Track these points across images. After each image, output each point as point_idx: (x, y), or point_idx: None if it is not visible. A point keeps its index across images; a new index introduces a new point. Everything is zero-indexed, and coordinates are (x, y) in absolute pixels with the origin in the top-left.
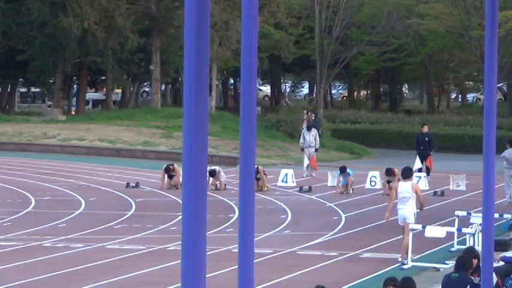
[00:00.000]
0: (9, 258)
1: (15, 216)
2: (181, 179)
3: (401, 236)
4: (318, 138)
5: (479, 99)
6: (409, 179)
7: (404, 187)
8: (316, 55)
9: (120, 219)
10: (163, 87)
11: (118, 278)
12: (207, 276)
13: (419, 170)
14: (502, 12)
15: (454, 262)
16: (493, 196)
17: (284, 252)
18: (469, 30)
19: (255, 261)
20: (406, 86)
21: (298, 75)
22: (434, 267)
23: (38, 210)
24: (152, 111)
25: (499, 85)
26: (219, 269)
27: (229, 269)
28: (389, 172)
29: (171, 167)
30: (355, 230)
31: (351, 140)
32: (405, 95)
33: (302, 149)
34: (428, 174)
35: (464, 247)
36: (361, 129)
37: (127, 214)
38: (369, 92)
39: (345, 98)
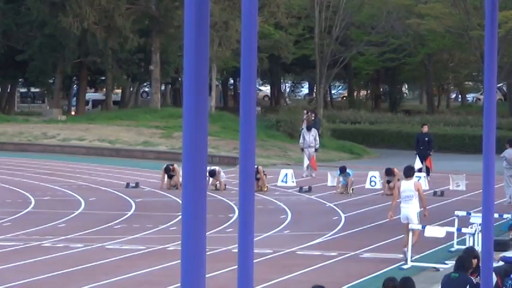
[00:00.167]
0: (8, 258)
1: (15, 216)
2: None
3: (401, 236)
4: (317, 138)
5: (479, 99)
6: (411, 178)
7: (406, 186)
8: (316, 55)
9: (120, 219)
10: (163, 87)
11: (118, 278)
12: (206, 276)
13: (419, 170)
14: (502, 12)
15: (454, 262)
16: (493, 196)
17: (284, 252)
18: (468, 30)
19: (254, 261)
20: (406, 86)
21: (298, 75)
22: (434, 267)
23: (38, 210)
24: (152, 111)
25: (498, 85)
26: (218, 269)
27: (229, 269)
28: (389, 172)
29: (171, 167)
30: (354, 230)
31: (351, 140)
32: (405, 95)
33: (302, 149)
34: (428, 174)
35: (464, 247)
36: (361, 129)
37: (127, 214)
38: (368, 92)
39: (344, 98)
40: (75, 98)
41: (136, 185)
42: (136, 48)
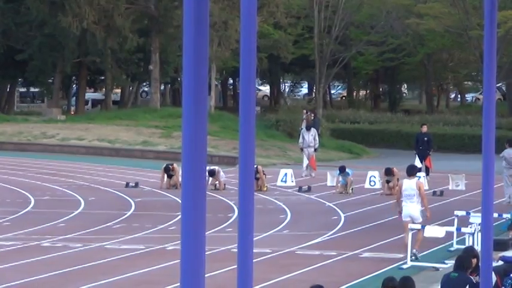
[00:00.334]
0: (8, 257)
1: (15, 215)
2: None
3: (401, 235)
4: (317, 138)
5: (479, 99)
6: (413, 177)
7: (408, 184)
8: (316, 55)
9: (119, 219)
10: (162, 87)
11: (117, 278)
12: (206, 275)
13: (419, 170)
14: (501, 12)
15: (453, 262)
16: (492, 196)
17: (283, 251)
18: (468, 30)
19: (254, 260)
20: (405, 85)
21: (298, 75)
22: (434, 267)
23: (37, 210)
24: (151, 111)
25: (498, 85)
26: (218, 269)
27: (228, 268)
28: (388, 172)
29: (171, 166)
30: (354, 230)
31: (350, 139)
32: (404, 94)
33: (301, 149)
34: (427, 174)
35: (463, 247)
36: (360, 129)
37: (126, 214)
38: (368, 91)
39: (344, 98)
40: (74, 98)
41: (136, 184)
42: (136, 48)
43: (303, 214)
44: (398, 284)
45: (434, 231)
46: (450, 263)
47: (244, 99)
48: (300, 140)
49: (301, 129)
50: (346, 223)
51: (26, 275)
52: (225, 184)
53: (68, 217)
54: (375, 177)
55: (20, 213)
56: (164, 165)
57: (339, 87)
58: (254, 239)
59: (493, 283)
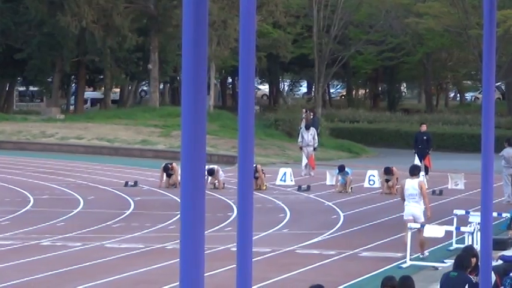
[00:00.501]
0: (7, 257)
1: (14, 215)
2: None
3: (400, 235)
4: (316, 137)
5: (478, 98)
6: (416, 176)
7: (410, 184)
8: (315, 54)
9: (119, 218)
10: (161, 86)
11: (116, 277)
12: (205, 275)
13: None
14: (501, 11)
15: (453, 261)
16: (492, 195)
17: (282, 251)
18: (467, 29)
19: (253, 260)
20: (405, 85)
21: (297, 74)
22: (433, 266)
23: (36, 209)
24: (150, 110)
25: (497, 84)
26: (217, 268)
27: (228, 267)
28: (387, 171)
29: (170, 165)
30: (353, 229)
31: (350, 139)
32: (403, 94)
33: (300, 148)
34: (427, 173)
35: (462, 246)
36: (359, 128)
37: (125, 213)
38: (367, 91)
39: (343, 97)
40: (73, 97)
41: (135, 183)
42: (135, 47)
43: (302, 213)
44: (398, 284)
45: (433, 230)
46: (449, 262)
47: (243, 98)
48: (299, 139)
49: (301, 128)
50: (345, 222)
51: (25, 274)
52: (224, 183)
53: (67, 216)
54: (374, 176)
55: (19, 212)
56: (163, 165)
57: (338, 86)
58: (253, 238)
59: (493, 282)
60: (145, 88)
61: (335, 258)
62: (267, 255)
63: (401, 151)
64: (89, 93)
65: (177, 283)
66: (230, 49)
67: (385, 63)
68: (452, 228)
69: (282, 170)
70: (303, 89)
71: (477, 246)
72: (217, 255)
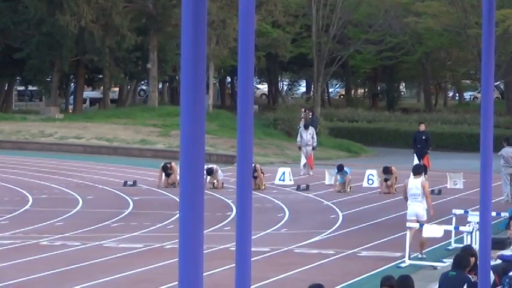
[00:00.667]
0: (6, 256)
1: (13, 214)
2: (178, 177)
3: (399, 234)
4: (315, 137)
5: (477, 97)
6: (419, 176)
7: (413, 183)
8: (314, 53)
9: (118, 218)
10: (160, 85)
11: (115, 276)
12: (204, 274)
13: None
14: (500, 10)
15: (452, 260)
16: (490, 194)
17: (281, 250)
18: (466, 28)
19: (252, 259)
20: (403, 84)
21: (296, 73)
22: (432, 266)
23: (35, 208)
24: (149, 109)
25: (496, 83)
26: (216, 267)
27: (227, 267)
28: (386, 170)
29: (169, 165)
30: (352, 228)
31: (348, 138)
32: (402, 93)
33: (299, 147)
34: (425, 173)
35: (461, 245)
36: (358, 127)
37: (124, 212)
38: (366, 90)
39: (342, 97)
40: (72, 96)
41: (134, 183)
42: (134, 47)
43: (301, 213)
44: (397, 283)
45: (432, 230)
46: (448, 262)
47: (242, 97)
48: (298, 138)
49: (299, 127)
50: (344, 222)
51: (25, 273)
52: (223, 183)
53: (66, 216)
54: (373, 175)
55: (18, 212)
56: (162, 164)
57: (337, 85)
58: (252, 237)
59: (491, 282)
60: (144, 87)
61: (334, 257)
62: (266, 255)
63: (400, 150)
64: (88, 93)
65: (176, 282)
66: (229, 48)
67: (384, 62)
68: (451, 227)
69: (280, 170)
70: (302, 88)
71: (476, 246)
72: (216, 254)
